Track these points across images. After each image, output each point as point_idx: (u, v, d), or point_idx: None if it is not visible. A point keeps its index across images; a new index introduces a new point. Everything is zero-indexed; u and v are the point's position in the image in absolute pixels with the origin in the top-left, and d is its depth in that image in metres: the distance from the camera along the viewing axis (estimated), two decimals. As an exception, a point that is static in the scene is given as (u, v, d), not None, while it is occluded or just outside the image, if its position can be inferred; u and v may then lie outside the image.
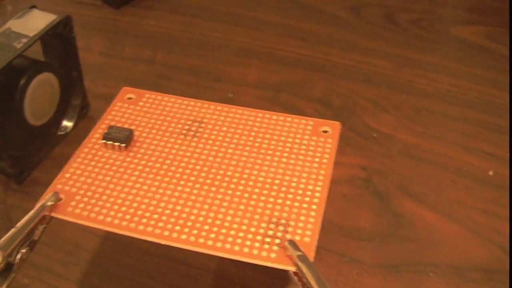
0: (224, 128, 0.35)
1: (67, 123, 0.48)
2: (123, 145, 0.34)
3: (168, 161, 0.33)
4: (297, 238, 0.29)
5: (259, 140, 0.35)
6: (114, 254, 0.40)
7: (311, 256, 0.28)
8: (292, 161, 0.33)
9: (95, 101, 0.50)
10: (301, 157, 0.33)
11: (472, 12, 0.62)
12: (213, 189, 0.31)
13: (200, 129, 0.35)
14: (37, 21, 0.44)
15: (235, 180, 0.32)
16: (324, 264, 0.38)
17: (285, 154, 0.34)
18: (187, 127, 0.35)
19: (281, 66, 0.55)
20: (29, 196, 0.43)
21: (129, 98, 0.39)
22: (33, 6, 0.45)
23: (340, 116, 0.49)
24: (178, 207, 0.30)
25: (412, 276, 0.38)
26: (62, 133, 0.48)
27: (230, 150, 0.34)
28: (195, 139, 0.35)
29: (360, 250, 0.39)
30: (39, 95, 0.44)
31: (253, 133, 0.35)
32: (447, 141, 0.47)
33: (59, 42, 0.46)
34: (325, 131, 0.35)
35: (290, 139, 0.35)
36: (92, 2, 0.63)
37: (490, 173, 0.45)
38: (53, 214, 0.30)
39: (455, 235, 0.40)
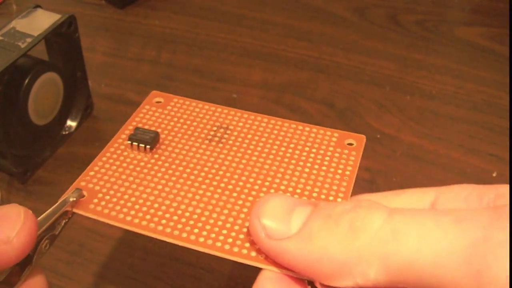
0: (250, 136, 0.35)
1: (71, 123, 0.48)
2: (148, 147, 0.34)
3: (191, 165, 0.33)
4: None
5: (283, 149, 0.34)
6: (118, 254, 0.40)
7: None
8: (315, 172, 0.33)
9: (99, 101, 0.50)
10: (324, 168, 0.33)
11: (476, 13, 0.62)
12: (234, 194, 0.31)
13: (226, 136, 0.35)
14: (41, 21, 0.44)
15: (256, 187, 0.32)
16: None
17: (308, 165, 0.33)
18: (212, 132, 0.36)
19: (285, 67, 0.55)
20: (33, 195, 0.44)
21: (158, 102, 0.39)
22: (38, 6, 0.45)
23: (344, 117, 0.49)
24: (198, 211, 0.30)
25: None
26: (66, 132, 0.48)
27: (254, 158, 0.34)
28: (220, 145, 0.35)
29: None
30: (43, 94, 0.44)
31: (277, 142, 0.35)
32: (451, 143, 0.47)
33: (63, 41, 0.46)
34: (350, 144, 0.35)
35: (314, 150, 0.34)
36: (97, 2, 0.63)
37: (494, 174, 0.44)
38: (75, 210, 0.30)
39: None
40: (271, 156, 0.34)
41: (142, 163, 0.33)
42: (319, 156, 0.34)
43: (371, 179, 0.44)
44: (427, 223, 0.20)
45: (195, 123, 0.37)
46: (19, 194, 0.44)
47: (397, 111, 0.50)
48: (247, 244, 0.28)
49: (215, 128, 0.36)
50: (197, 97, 0.49)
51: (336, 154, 0.34)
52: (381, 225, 0.21)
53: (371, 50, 0.57)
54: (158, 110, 0.38)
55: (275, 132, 0.36)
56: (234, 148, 0.34)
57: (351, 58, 0.56)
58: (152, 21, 0.61)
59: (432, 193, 0.27)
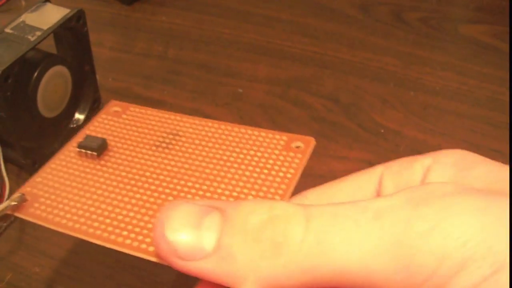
0: (197, 141, 0.36)
1: (79, 116, 0.49)
2: (95, 153, 0.35)
3: (134, 171, 0.34)
4: None
5: (228, 153, 0.34)
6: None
7: None
8: (255, 175, 0.33)
9: (106, 95, 0.51)
10: (265, 171, 0.33)
11: (480, 11, 0.62)
12: (170, 198, 0.32)
13: (173, 142, 0.36)
14: (50, 15, 0.45)
15: (193, 191, 0.32)
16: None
17: (250, 168, 0.33)
18: (161, 139, 0.36)
19: (290, 63, 0.55)
20: (41, 187, 0.44)
21: (115, 111, 0.39)
22: (47, 0, 0.46)
23: (348, 112, 0.50)
24: (139, 216, 0.30)
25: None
26: (74, 125, 0.49)
27: (197, 162, 0.34)
28: (166, 150, 0.35)
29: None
30: (52, 87, 0.45)
31: (223, 147, 0.35)
32: (455, 138, 0.47)
33: (72, 35, 0.46)
34: (297, 147, 0.35)
35: (259, 153, 0.34)
36: (104, -2, 0.64)
37: (497, 169, 0.45)
38: (16, 214, 0.31)
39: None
40: (214, 160, 0.34)
41: (88, 170, 0.34)
42: (263, 160, 0.34)
43: (375, 173, 0.44)
44: (348, 225, 0.19)
45: (146, 131, 0.37)
46: (27, 185, 0.44)
47: (401, 107, 0.50)
48: None
49: (164, 135, 0.36)
50: (203, 92, 0.50)
51: (281, 157, 0.34)
52: (303, 237, 0.20)
53: (375, 46, 0.57)
54: (113, 119, 0.38)
55: (223, 137, 0.36)
56: (179, 154, 0.35)
57: (356, 54, 0.56)
58: (159, 17, 0.62)
59: (377, 175, 0.27)
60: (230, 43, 0.58)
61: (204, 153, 0.35)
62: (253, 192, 0.32)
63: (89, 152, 0.35)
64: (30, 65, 0.43)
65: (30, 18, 0.44)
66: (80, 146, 0.35)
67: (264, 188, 0.32)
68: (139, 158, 0.35)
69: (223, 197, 0.32)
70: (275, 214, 0.20)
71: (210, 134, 0.36)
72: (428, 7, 0.63)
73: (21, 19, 0.44)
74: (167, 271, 0.38)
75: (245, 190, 0.32)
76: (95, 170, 0.34)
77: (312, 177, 0.44)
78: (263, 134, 0.36)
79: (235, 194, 0.32)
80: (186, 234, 0.21)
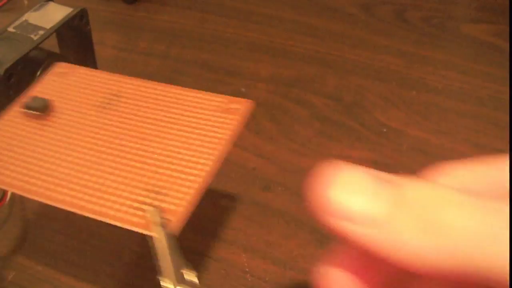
0: (137, 102, 0.36)
1: (82, 115, 0.49)
2: (41, 113, 0.35)
3: (78, 130, 0.35)
4: (172, 207, 0.30)
5: (168, 115, 0.35)
6: (128, 242, 0.40)
7: (176, 225, 0.29)
8: (194, 136, 0.34)
9: (109, 94, 0.51)
10: (202, 132, 0.34)
11: (483, 10, 0.62)
12: (110, 157, 0.33)
13: (114, 102, 0.37)
14: (53, 14, 0.45)
15: (132, 150, 0.33)
16: (334, 255, 0.39)
17: (188, 129, 0.34)
18: (104, 99, 0.37)
19: (293, 62, 0.55)
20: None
21: (61, 72, 0.39)
22: (50, -1, 0.46)
23: (351, 111, 0.50)
24: (78, 174, 0.32)
25: (421, 268, 0.38)
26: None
27: (135, 123, 0.35)
28: (107, 111, 0.36)
29: (369, 242, 0.40)
30: (55, 86, 0.45)
31: (161, 108, 0.36)
32: (457, 137, 0.47)
33: (74, 34, 0.46)
34: (234, 109, 0.36)
35: (197, 115, 0.35)
36: (106, -3, 0.64)
37: (500, 169, 0.45)
38: None
39: (464, 229, 0.41)
40: (150, 121, 0.35)
41: (34, 130, 0.35)
42: (201, 122, 0.35)
43: (377, 172, 0.44)
44: None
45: (89, 91, 0.38)
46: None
47: (403, 106, 0.50)
48: (109, 204, 0.30)
49: (107, 96, 0.37)
50: (205, 91, 0.50)
51: (220, 119, 0.35)
52: (465, 224, 0.19)
53: (378, 46, 0.57)
54: (58, 80, 0.39)
55: (161, 97, 0.37)
56: (120, 114, 0.36)
57: (358, 53, 0.56)
58: (161, 16, 0.62)
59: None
60: (233, 42, 0.58)
61: (141, 113, 0.35)
62: (190, 153, 0.33)
63: (34, 112, 0.35)
64: (33, 64, 0.43)
65: (33, 17, 0.44)
66: (26, 106, 0.36)
67: (200, 149, 0.33)
68: (82, 118, 0.35)
69: (158, 157, 0.33)
70: (444, 197, 0.20)
71: (149, 95, 0.37)
72: (431, 7, 0.63)
73: (24, 18, 0.44)
74: (170, 270, 0.38)
75: (182, 151, 0.33)
76: (41, 130, 0.35)
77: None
78: (200, 95, 0.37)
79: (169, 153, 0.33)
80: (363, 200, 0.21)
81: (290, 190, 0.43)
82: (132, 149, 0.33)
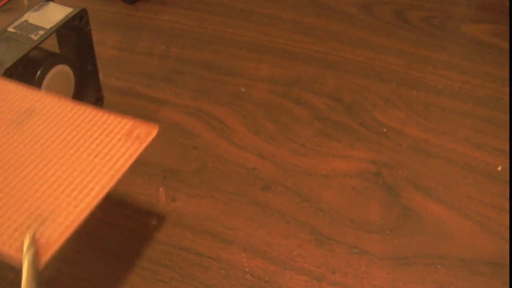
0: (49, 122, 0.35)
1: (82, 115, 0.49)
2: None
3: None
4: (47, 234, 0.29)
5: (72, 135, 0.34)
6: (128, 242, 0.40)
7: (46, 254, 0.29)
8: (90, 159, 0.33)
9: (109, 94, 0.51)
10: (100, 156, 0.33)
11: (482, 10, 0.62)
12: (1, 178, 0.32)
13: (24, 120, 0.35)
14: (53, 14, 0.45)
15: (26, 170, 0.32)
16: (334, 255, 0.39)
17: (87, 152, 0.33)
18: (15, 117, 0.35)
19: (293, 62, 0.55)
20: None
21: None
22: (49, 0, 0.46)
23: (351, 111, 0.50)
24: None
25: (421, 268, 0.38)
26: (77, 125, 0.49)
27: (40, 142, 0.34)
28: (18, 131, 0.35)
29: (369, 242, 0.40)
30: (55, 86, 0.45)
31: (71, 128, 0.35)
32: (457, 137, 0.47)
33: (75, 35, 0.46)
34: (137, 134, 0.35)
35: (100, 137, 0.34)
36: (107, -3, 0.64)
37: (499, 168, 0.45)
38: None
39: (464, 229, 0.41)
40: (53, 141, 0.34)
41: None
42: (102, 145, 0.33)
43: (377, 172, 0.44)
44: None
45: (4, 107, 0.36)
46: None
47: (403, 106, 0.50)
48: None
49: (20, 113, 0.36)
50: (206, 91, 0.50)
51: (120, 143, 0.33)
52: None
53: (378, 46, 0.57)
54: None
55: (73, 117, 0.35)
56: (29, 137, 0.34)
57: (358, 53, 0.56)
58: (162, 16, 0.62)
59: None
60: (233, 42, 0.58)
61: (47, 133, 0.34)
62: (81, 176, 0.32)
63: None
64: (33, 64, 0.43)
65: (33, 17, 0.44)
66: None
67: (92, 174, 0.32)
68: None
69: (48, 177, 0.32)
70: None
71: (60, 114, 0.36)
72: (431, 7, 0.63)
73: (24, 18, 0.44)
74: (169, 270, 0.38)
75: (75, 173, 0.32)
76: None
77: (315, 176, 0.44)
78: (108, 117, 0.35)
79: (59, 175, 0.32)
80: None
81: (290, 190, 0.43)
82: (27, 169, 0.32)
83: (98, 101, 0.50)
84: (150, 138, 0.34)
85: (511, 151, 0.46)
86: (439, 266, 0.38)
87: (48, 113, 0.36)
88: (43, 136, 0.34)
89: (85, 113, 0.36)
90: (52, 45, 0.46)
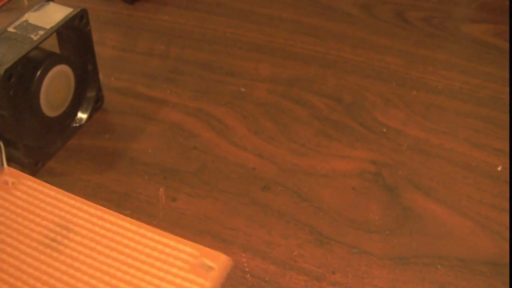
0: (87, 241, 0.32)
1: (82, 115, 0.49)
2: None
3: (14, 275, 0.30)
4: None
5: (129, 261, 0.31)
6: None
7: None
8: None
9: (109, 94, 0.51)
10: None
11: (482, 10, 0.62)
12: None
13: (66, 241, 0.32)
14: (53, 14, 0.45)
15: None
16: (334, 255, 0.39)
17: (142, 283, 0.30)
18: (52, 234, 0.32)
19: (293, 62, 0.55)
20: (44, 185, 0.44)
21: (5, 182, 0.36)
22: (50, 0, 0.46)
23: (351, 111, 0.50)
24: None
25: (420, 268, 0.38)
26: (77, 125, 0.49)
27: (91, 271, 0.31)
28: (55, 254, 0.31)
29: (369, 242, 0.40)
30: (55, 87, 0.45)
31: (118, 255, 0.32)
32: (457, 137, 0.47)
33: (75, 35, 0.46)
34: (207, 266, 0.31)
35: (158, 272, 0.31)
36: (107, -3, 0.64)
37: (499, 168, 0.45)
38: None
39: (464, 229, 0.41)
40: (111, 270, 0.31)
41: None
42: (162, 285, 0.30)
43: (377, 172, 0.44)
44: None
45: (38, 219, 0.33)
46: (30, 184, 0.44)
47: (403, 106, 0.50)
48: None
49: (57, 229, 0.32)
50: (206, 91, 0.50)
51: (186, 284, 0.30)
52: None
53: (378, 46, 0.57)
54: (3, 196, 0.34)
55: (125, 241, 0.32)
56: (68, 260, 0.31)
57: (358, 53, 0.56)
58: (161, 16, 0.62)
59: None
60: (233, 42, 0.58)
61: (89, 259, 0.31)
62: None
63: None
64: (33, 64, 0.43)
65: (33, 17, 0.44)
66: None
67: None
68: (22, 257, 0.31)
69: None
70: None
71: (102, 230, 0.32)
72: (431, 7, 0.63)
73: (24, 18, 0.44)
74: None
75: None
76: None
77: (315, 176, 0.44)
78: (167, 242, 0.32)
79: None
80: None
81: (290, 190, 0.43)
82: None
83: (98, 101, 0.50)
84: (223, 272, 0.31)
85: (511, 151, 0.46)
86: (439, 266, 0.38)
87: (89, 230, 0.33)
88: (84, 262, 0.31)
89: (135, 232, 0.33)
90: (53, 45, 0.46)
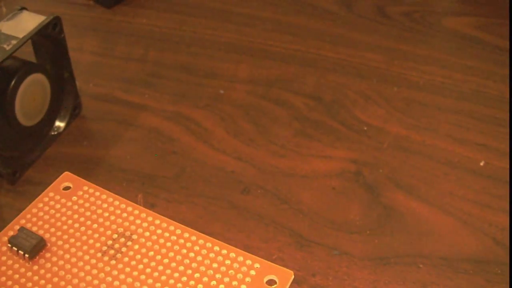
0: (151, 253, 0.32)
1: (60, 123, 0.48)
2: (27, 255, 0.31)
3: (75, 281, 0.30)
4: None
5: (189, 272, 0.31)
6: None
7: None
8: None
9: (87, 100, 0.50)
10: None
11: (464, 3, 0.62)
12: None
13: (123, 249, 0.32)
14: (26, 23, 0.44)
15: None
16: (314, 257, 0.39)
17: None
18: (110, 242, 0.32)
19: (272, 62, 0.55)
20: (22, 195, 0.44)
21: (66, 188, 0.36)
22: (23, 8, 0.46)
23: (331, 110, 0.49)
24: None
25: (402, 268, 0.38)
26: (55, 133, 0.48)
27: (149, 281, 0.30)
28: (113, 262, 0.31)
29: (350, 243, 0.39)
30: (30, 96, 0.45)
31: (186, 261, 0.31)
32: (439, 133, 0.47)
33: (49, 43, 0.46)
34: (270, 281, 0.31)
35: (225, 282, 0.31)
36: (85, 2, 0.63)
37: (482, 164, 0.45)
38: None
39: (447, 227, 0.40)
40: (171, 281, 0.30)
41: (17, 275, 0.30)
42: None
43: (357, 171, 0.44)
44: None
45: (95, 226, 0.33)
46: (8, 194, 0.44)
47: (384, 103, 0.50)
48: None
49: (115, 236, 0.32)
50: (184, 94, 0.50)
51: None
52: None
53: (358, 42, 0.57)
54: (61, 201, 0.34)
55: (184, 251, 0.32)
56: (127, 270, 0.31)
57: (338, 51, 0.56)
58: (140, 20, 0.61)
59: None
60: (211, 43, 0.58)
61: (149, 270, 0.31)
62: None
63: (20, 252, 0.31)
64: (6, 74, 0.43)
65: (6, 26, 0.44)
66: (11, 241, 0.31)
67: None
68: (80, 265, 0.31)
69: None
70: None
71: (169, 244, 0.32)
72: (412, 1, 0.62)
73: (-4, 28, 0.44)
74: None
75: None
76: (26, 275, 0.30)
77: (295, 177, 0.44)
78: (232, 255, 0.32)
79: None
80: None
81: (270, 193, 0.43)
82: None
83: (76, 109, 0.49)
84: (285, 284, 0.31)
85: (511, 152, 0.46)
86: (420, 265, 0.38)
87: (149, 240, 0.32)
88: (143, 271, 0.31)
89: (197, 243, 0.33)
90: (29, 52, 0.46)
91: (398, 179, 0.44)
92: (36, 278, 0.30)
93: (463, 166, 0.45)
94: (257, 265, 0.32)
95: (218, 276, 0.31)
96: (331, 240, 0.40)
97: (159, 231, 0.33)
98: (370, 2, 0.62)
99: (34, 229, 0.33)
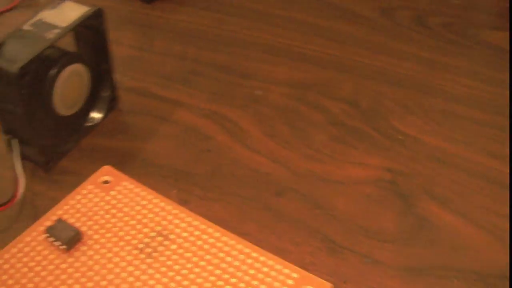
0: (189, 254, 0.31)
1: (96, 115, 0.49)
2: (64, 247, 0.31)
3: (111, 277, 0.30)
4: None
5: (226, 277, 0.30)
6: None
7: None
8: None
9: (124, 94, 0.51)
10: None
11: (503, 17, 0.61)
12: None
13: (160, 248, 0.31)
14: (69, 13, 0.44)
15: None
16: (346, 264, 0.38)
17: None
18: (147, 240, 0.32)
19: (309, 65, 0.55)
20: (56, 184, 0.44)
21: (105, 182, 0.35)
22: (66, -2, 0.46)
23: (367, 117, 0.49)
24: None
25: (434, 280, 0.38)
26: (91, 124, 0.48)
27: (185, 282, 0.30)
28: (149, 260, 0.31)
29: (382, 252, 0.39)
30: (69, 86, 0.45)
31: (223, 265, 0.31)
32: (475, 146, 0.47)
33: (90, 34, 0.46)
34: None
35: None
36: (124, -5, 0.64)
37: (517, 180, 0.44)
38: None
39: (480, 241, 0.40)
40: (207, 285, 0.30)
41: (53, 265, 0.30)
42: None
43: (392, 180, 0.44)
44: None
45: (133, 222, 0.32)
46: (43, 183, 0.44)
47: (421, 113, 0.50)
48: None
49: (153, 234, 0.32)
50: (221, 93, 0.50)
51: None
52: None
53: (396, 51, 0.57)
54: (99, 194, 0.34)
55: (221, 255, 0.31)
56: (163, 269, 0.30)
57: (376, 58, 0.56)
58: (179, 17, 0.61)
59: None
60: (250, 44, 0.58)
61: (197, 270, 0.30)
62: None
63: (57, 243, 0.31)
64: (47, 63, 0.43)
65: (48, 15, 0.44)
66: (48, 232, 0.31)
67: None
68: (114, 263, 0.30)
69: None
70: None
71: (206, 246, 0.32)
72: (451, 12, 0.62)
73: (39, 17, 0.44)
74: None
75: None
76: (60, 267, 0.30)
77: (329, 182, 0.44)
78: (270, 262, 0.31)
79: None
80: None
81: (304, 196, 0.43)
82: None
83: (112, 101, 0.49)
84: None
85: (511, 152, 0.45)
86: (453, 279, 0.38)
87: (187, 241, 0.32)
88: (179, 272, 0.30)
89: (236, 249, 0.32)
90: (69, 43, 0.46)
91: (433, 190, 0.43)
92: (71, 270, 0.30)
93: (498, 181, 0.44)
94: (295, 275, 0.31)
95: (255, 283, 0.31)
96: (364, 247, 0.39)
97: (197, 233, 0.33)
98: (410, 12, 0.62)
99: (71, 221, 0.33)
